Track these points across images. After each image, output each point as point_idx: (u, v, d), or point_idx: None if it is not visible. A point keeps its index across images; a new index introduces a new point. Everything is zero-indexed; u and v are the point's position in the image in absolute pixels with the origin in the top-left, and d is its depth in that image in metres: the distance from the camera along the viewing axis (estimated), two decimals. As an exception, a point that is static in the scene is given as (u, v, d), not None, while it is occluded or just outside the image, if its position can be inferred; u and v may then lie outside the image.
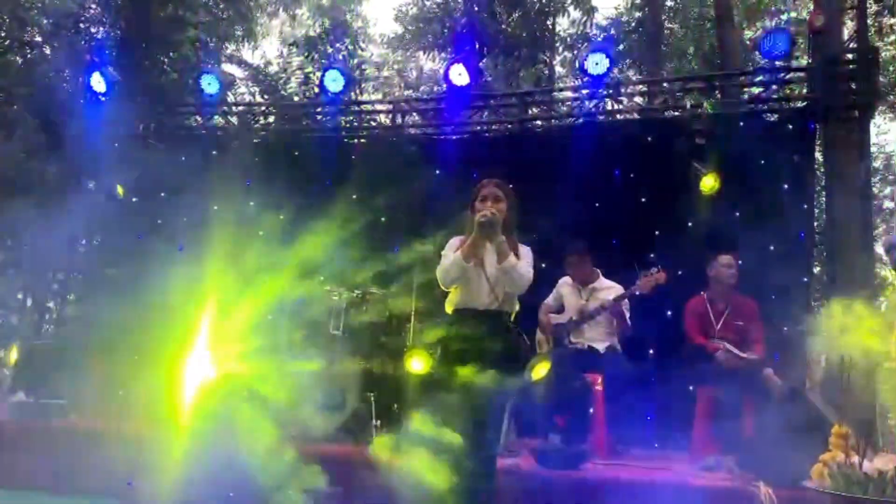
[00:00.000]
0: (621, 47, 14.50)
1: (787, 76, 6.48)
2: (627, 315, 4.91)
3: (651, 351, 5.54)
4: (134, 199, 7.89)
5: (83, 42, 12.23)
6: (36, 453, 4.45)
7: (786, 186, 6.02)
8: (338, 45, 14.19)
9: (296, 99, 13.03)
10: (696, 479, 3.75)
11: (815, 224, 6.66)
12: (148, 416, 4.43)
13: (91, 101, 7.94)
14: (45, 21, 12.29)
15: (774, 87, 6.46)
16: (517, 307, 3.39)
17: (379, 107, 9.15)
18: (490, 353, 3.18)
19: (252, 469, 3.57)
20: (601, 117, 7.01)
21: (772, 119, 6.49)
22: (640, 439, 5.17)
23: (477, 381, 3.13)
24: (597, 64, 6.57)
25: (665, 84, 7.80)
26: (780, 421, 3.55)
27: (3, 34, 11.80)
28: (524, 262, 3.30)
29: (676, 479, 3.72)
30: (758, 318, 4.83)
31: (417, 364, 4.39)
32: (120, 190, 7.58)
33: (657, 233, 5.98)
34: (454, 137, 7.50)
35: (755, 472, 3.42)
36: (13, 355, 5.42)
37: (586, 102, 7.08)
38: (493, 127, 7.47)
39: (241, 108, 8.75)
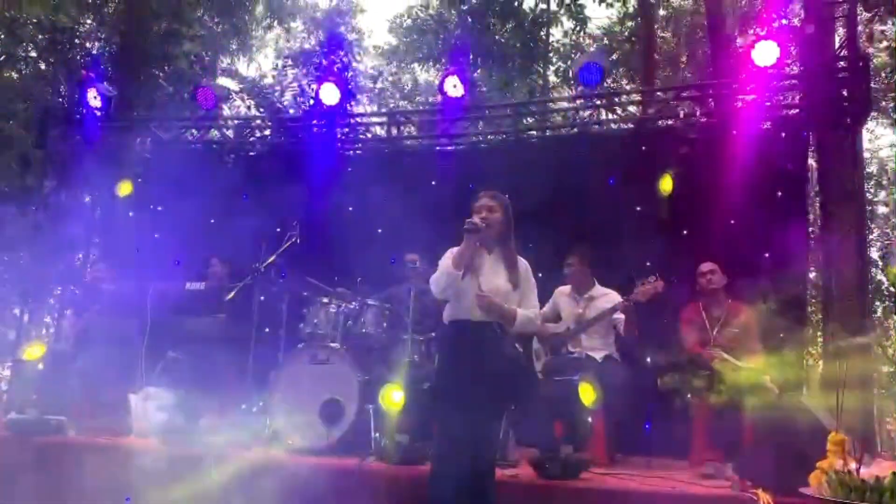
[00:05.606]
0: (614, 57, 14.58)
1: (780, 84, 6.52)
2: (622, 326, 4.91)
3: (648, 359, 5.55)
4: (130, 213, 7.92)
5: (79, 57, 12.26)
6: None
7: (779, 194, 6.05)
8: (332, 57, 14.23)
9: (291, 112, 13.06)
10: (695, 487, 3.76)
11: (810, 231, 6.68)
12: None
13: (87, 116, 7.96)
14: (40, 36, 12.33)
15: (767, 94, 6.50)
16: None
17: (374, 118, 9.18)
18: (484, 363, 3.19)
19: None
20: (595, 127, 7.04)
21: (765, 127, 6.52)
22: (638, 448, 5.17)
23: (472, 392, 3.15)
24: (590, 74, 6.61)
25: (658, 93, 7.85)
26: (777, 428, 3.55)
27: (-2, 50, 11.84)
28: (532, 303, 3.37)
29: (676, 487, 3.72)
30: (753, 325, 4.84)
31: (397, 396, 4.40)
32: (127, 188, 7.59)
33: (652, 241, 6.00)
34: (449, 148, 7.54)
35: (754, 480, 3.42)
36: None
37: (580, 112, 7.12)
38: (489, 137, 7.49)
39: (236, 121, 8.77)
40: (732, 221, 6.04)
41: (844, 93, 6.14)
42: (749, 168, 6.07)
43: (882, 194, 15.59)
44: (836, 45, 6.86)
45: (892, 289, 13.00)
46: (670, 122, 6.82)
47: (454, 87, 7.00)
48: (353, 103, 13.05)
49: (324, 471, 4.00)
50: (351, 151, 7.93)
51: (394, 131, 7.87)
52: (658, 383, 4.76)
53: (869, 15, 10.90)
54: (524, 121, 7.54)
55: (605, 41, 15.08)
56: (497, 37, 14.84)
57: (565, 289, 5.26)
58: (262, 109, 13.11)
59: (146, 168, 8.05)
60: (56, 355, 5.90)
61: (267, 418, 4.72)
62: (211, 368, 5.31)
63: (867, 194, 11.85)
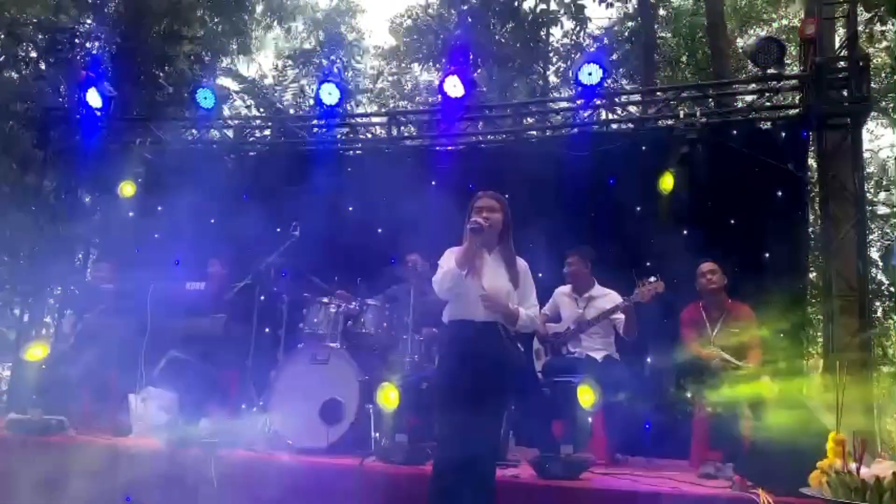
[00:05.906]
0: (615, 57, 14.58)
1: (780, 84, 6.52)
2: (622, 326, 4.91)
3: (648, 360, 5.55)
4: (130, 213, 7.92)
5: (79, 57, 12.26)
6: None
7: (780, 194, 6.06)
8: (332, 57, 14.24)
9: (291, 112, 13.07)
10: (695, 487, 3.76)
11: (810, 231, 6.68)
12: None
13: (87, 117, 7.95)
14: (40, 37, 12.33)
15: (767, 95, 6.51)
16: None
17: (374, 119, 9.17)
18: (485, 363, 3.20)
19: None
20: (595, 127, 7.04)
21: (765, 127, 6.53)
22: (638, 448, 5.17)
23: (474, 392, 3.15)
24: (590, 74, 6.60)
25: (659, 93, 7.84)
26: (777, 428, 3.55)
27: (-2, 50, 11.85)
28: (531, 302, 3.41)
29: (676, 487, 3.72)
30: (754, 325, 4.84)
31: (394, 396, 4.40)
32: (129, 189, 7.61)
33: (652, 241, 6.00)
34: (450, 148, 7.52)
35: (754, 480, 3.42)
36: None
37: (580, 112, 7.10)
38: (489, 137, 7.49)
39: (236, 121, 8.76)
40: (732, 221, 6.05)
41: (844, 93, 6.14)
42: (749, 168, 6.08)
43: (882, 194, 15.57)
44: (836, 45, 6.86)
45: (892, 289, 13.00)
46: (670, 122, 6.82)
47: (454, 87, 6.99)
48: (352, 103, 13.07)
49: (324, 471, 4.00)
50: (351, 151, 7.93)
51: (394, 131, 7.86)
52: (662, 385, 4.77)
53: (869, 15, 10.88)
54: (524, 121, 7.53)
55: (606, 41, 15.06)
56: (497, 37, 14.83)
57: (565, 289, 5.27)
58: (262, 109, 13.11)
59: (146, 168, 8.06)
60: (56, 355, 5.89)
61: (267, 418, 4.72)
62: (211, 368, 5.32)
63: (867, 194, 11.81)
